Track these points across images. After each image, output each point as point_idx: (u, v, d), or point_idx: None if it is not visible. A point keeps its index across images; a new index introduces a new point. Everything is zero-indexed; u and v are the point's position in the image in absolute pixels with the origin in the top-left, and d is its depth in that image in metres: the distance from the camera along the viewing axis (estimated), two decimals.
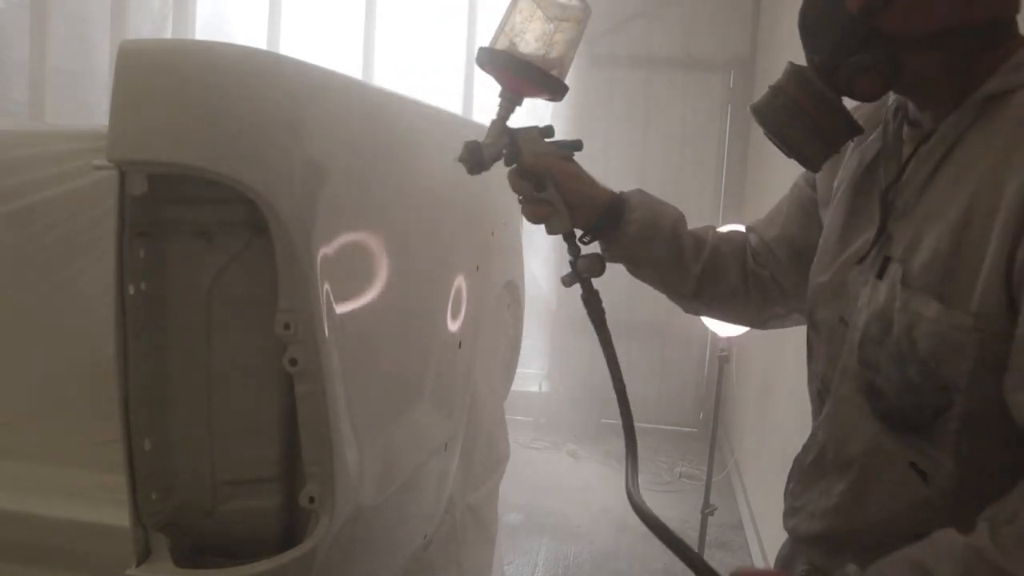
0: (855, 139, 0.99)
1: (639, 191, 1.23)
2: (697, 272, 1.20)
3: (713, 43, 4.76)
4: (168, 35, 4.84)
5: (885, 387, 0.85)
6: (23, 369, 1.75)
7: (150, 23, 4.93)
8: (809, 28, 0.91)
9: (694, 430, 4.93)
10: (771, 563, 1.14)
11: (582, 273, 1.14)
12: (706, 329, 3.56)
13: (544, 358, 4.92)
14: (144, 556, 1.16)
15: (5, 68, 4.25)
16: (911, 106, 0.95)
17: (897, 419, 0.84)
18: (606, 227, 1.16)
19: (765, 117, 0.95)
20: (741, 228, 1.30)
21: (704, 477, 3.12)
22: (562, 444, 4.57)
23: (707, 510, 3.01)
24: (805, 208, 1.17)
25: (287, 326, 1.15)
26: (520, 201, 1.16)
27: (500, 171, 1.22)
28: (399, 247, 1.49)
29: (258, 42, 4.70)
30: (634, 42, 4.63)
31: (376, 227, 1.42)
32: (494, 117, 1.15)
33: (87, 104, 4.54)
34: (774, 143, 0.96)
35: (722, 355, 3.06)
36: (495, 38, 1.10)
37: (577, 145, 1.19)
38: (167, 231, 1.20)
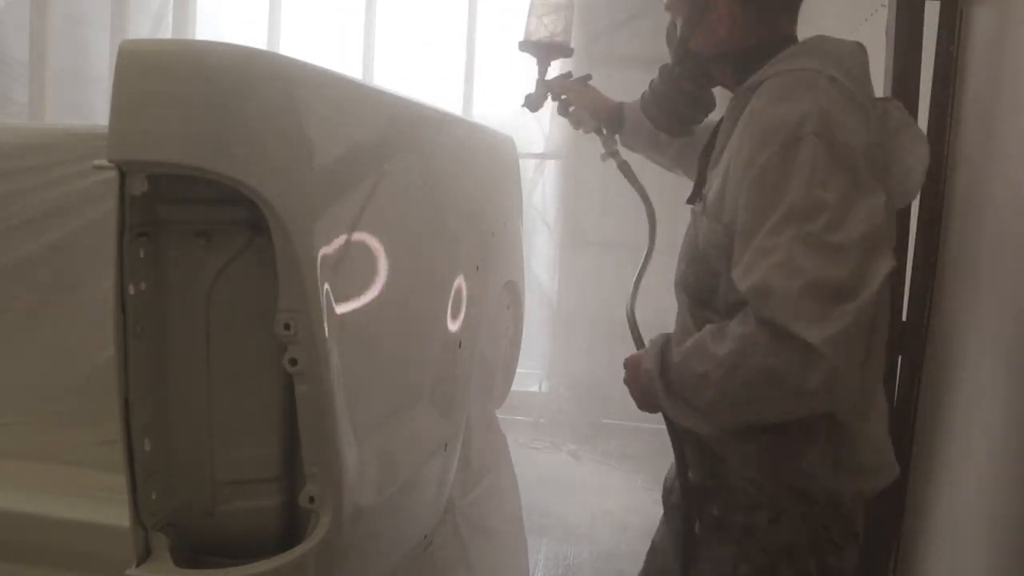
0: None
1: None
2: (671, 154, 1.66)
3: None
4: (168, 35, 4.84)
5: (690, 279, 1.24)
6: (23, 370, 1.75)
7: (150, 23, 4.93)
8: (666, 42, 1.37)
9: None
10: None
11: (610, 150, 1.74)
12: None
13: (544, 358, 4.91)
14: (144, 556, 1.16)
15: (5, 68, 4.25)
16: None
17: (696, 300, 1.23)
18: (615, 125, 1.73)
19: (642, 104, 1.47)
20: None
21: None
22: (562, 444, 4.56)
23: None
24: None
25: (287, 326, 1.15)
26: (569, 120, 1.79)
27: (500, 174, 1.36)
28: (399, 247, 1.49)
29: (258, 42, 4.70)
30: (634, 42, 4.62)
31: (376, 227, 1.42)
32: (537, 77, 1.82)
33: (87, 104, 4.54)
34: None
35: None
36: (525, 32, 1.79)
37: (588, 76, 1.82)
38: (167, 231, 1.20)
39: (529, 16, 1.80)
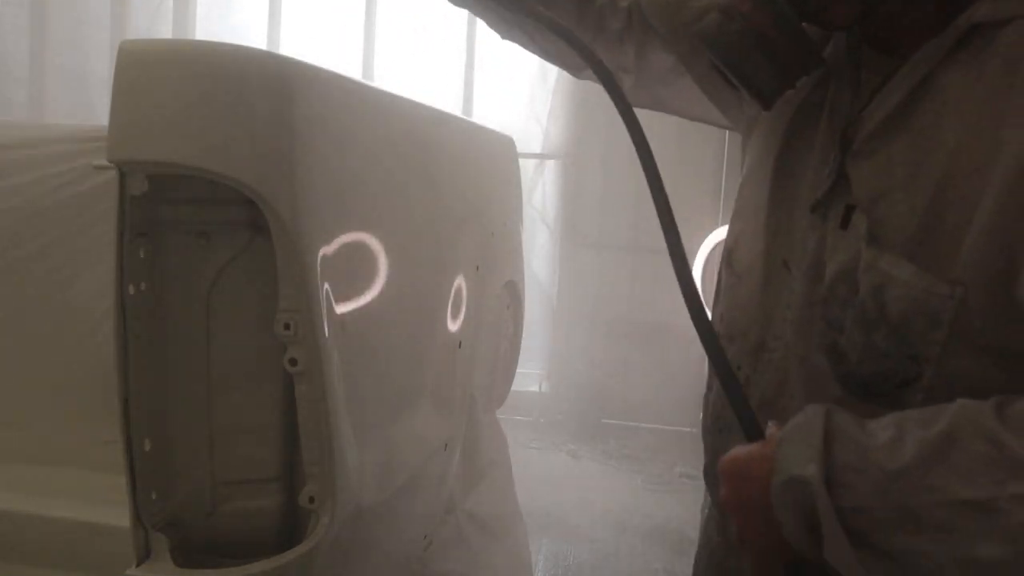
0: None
1: None
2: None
3: None
4: (168, 35, 4.84)
5: (849, 350, 0.75)
6: (24, 369, 1.75)
7: (150, 23, 4.93)
8: None
9: (694, 430, 4.90)
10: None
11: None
12: None
13: (544, 358, 4.92)
14: (144, 556, 1.16)
15: (5, 68, 4.25)
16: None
17: (858, 384, 0.75)
18: None
19: (716, 45, 0.80)
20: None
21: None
22: (562, 444, 4.57)
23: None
24: (703, 85, 1.04)
25: (287, 326, 1.15)
26: None
27: (499, 174, 1.31)
28: (399, 247, 1.49)
29: (258, 42, 4.70)
30: None
31: (376, 227, 1.42)
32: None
33: (87, 104, 4.54)
34: (725, 73, 0.82)
35: None
36: None
37: None
38: (167, 231, 1.20)
39: None
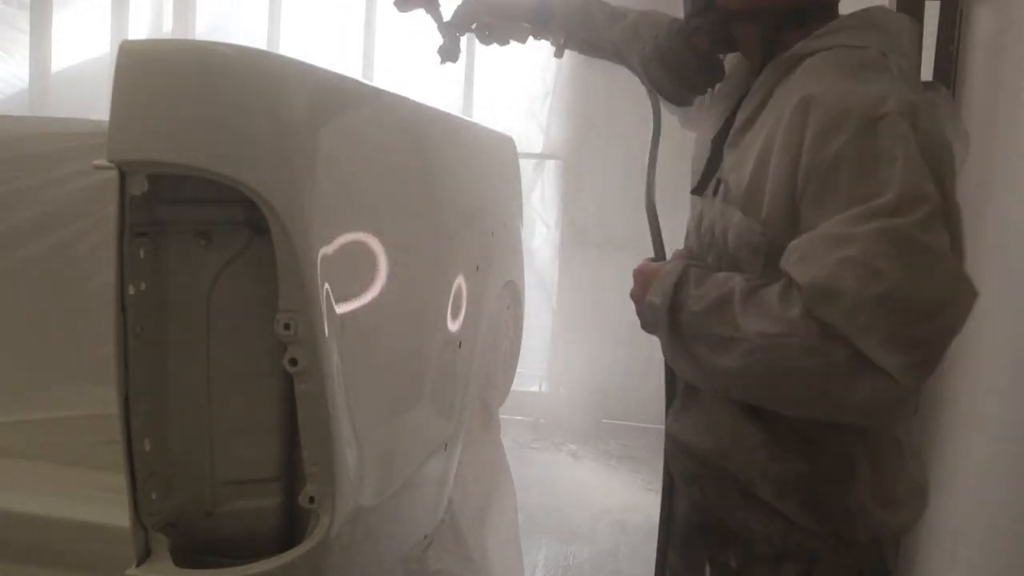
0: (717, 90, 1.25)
1: None
2: (609, 39, 1.47)
3: None
4: (168, 35, 4.84)
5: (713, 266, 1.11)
6: (23, 369, 1.75)
7: (150, 23, 4.93)
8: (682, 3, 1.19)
9: None
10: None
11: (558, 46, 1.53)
12: None
13: (544, 357, 4.92)
14: (144, 556, 1.16)
15: (5, 68, 4.26)
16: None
17: None
18: (543, 21, 1.51)
19: (644, 64, 1.23)
20: None
21: None
22: (562, 444, 4.57)
23: None
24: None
25: (287, 326, 1.15)
26: (498, 42, 1.57)
27: (500, 174, 1.37)
28: (399, 247, 1.49)
29: (258, 42, 4.69)
30: None
31: (376, 227, 1.42)
32: (436, 25, 1.60)
33: (87, 104, 4.54)
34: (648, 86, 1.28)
35: None
36: None
37: None
38: (167, 231, 1.20)
39: None
